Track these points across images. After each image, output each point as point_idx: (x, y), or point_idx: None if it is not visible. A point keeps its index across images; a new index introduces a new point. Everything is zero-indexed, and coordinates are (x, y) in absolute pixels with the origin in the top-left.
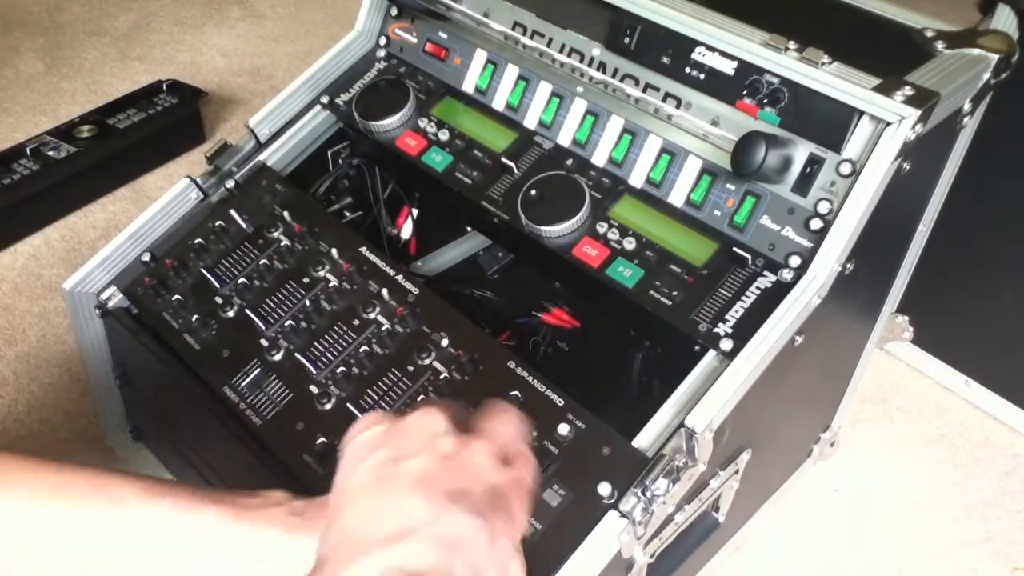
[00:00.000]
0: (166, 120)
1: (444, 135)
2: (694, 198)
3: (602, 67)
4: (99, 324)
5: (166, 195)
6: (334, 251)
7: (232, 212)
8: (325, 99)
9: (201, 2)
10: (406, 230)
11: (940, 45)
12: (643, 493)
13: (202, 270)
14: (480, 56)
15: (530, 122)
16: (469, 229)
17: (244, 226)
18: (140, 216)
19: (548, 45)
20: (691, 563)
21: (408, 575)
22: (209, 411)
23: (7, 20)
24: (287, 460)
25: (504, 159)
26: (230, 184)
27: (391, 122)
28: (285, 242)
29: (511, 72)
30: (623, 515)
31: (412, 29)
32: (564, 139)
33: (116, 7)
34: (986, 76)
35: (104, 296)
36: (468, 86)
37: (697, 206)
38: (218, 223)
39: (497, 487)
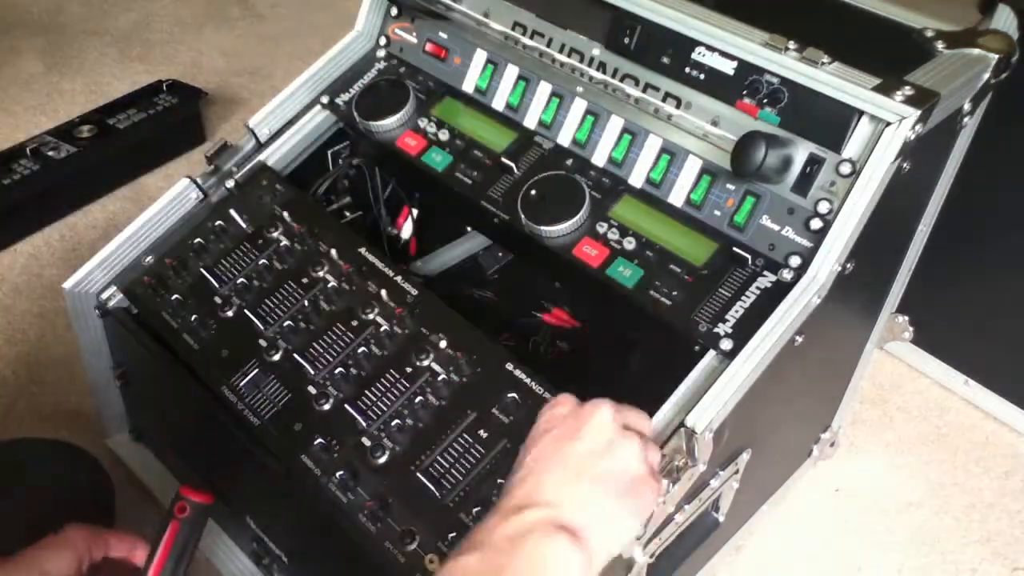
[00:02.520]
0: (166, 120)
1: (444, 135)
2: (694, 198)
3: (602, 67)
4: (99, 324)
5: (166, 195)
6: (333, 251)
7: (232, 212)
8: (325, 99)
9: (201, 2)
10: (406, 230)
11: (940, 45)
12: None
13: (201, 270)
14: (480, 56)
15: (530, 122)
16: (469, 229)
17: (244, 226)
18: (140, 216)
19: (548, 45)
20: (691, 563)
21: (560, 524)
22: (208, 411)
23: (7, 20)
24: (285, 461)
25: (504, 159)
26: (230, 184)
27: (391, 122)
28: (285, 242)
29: (511, 72)
30: None
31: (412, 29)
32: (564, 139)
33: (116, 7)
34: (986, 76)
35: (104, 296)
36: (468, 86)
37: (697, 206)
38: (218, 223)
39: (637, 478)
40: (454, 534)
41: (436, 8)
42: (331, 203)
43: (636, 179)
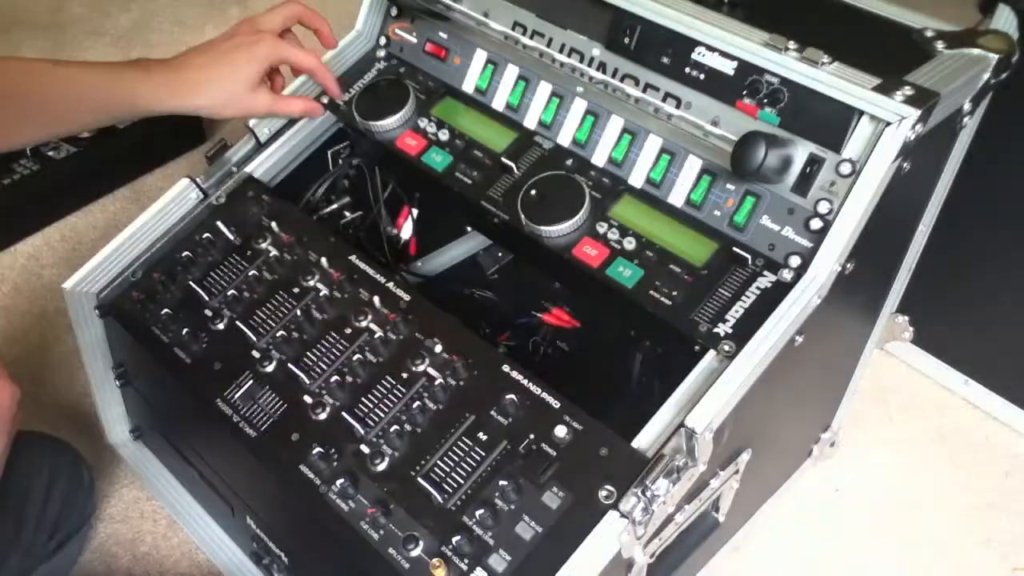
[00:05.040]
0: (166, 120)
1: (444, 135)
2: (694, 198)
3: (602, 67)
4: (99, 324)
5: (166, 195)
6: (323, 260)
7: (219, 224)
8: (325, 99)
9: (201, 2)
10: (406, 230)
11: (940, 45)
12: (643, 493)
13: (190, 283)
14: (480, 56)
15: (530, 122)
16: (469, 229)
17: (232, 238)
18: (140, 216)
19: (548, 45)
20: (691, 563)
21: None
22: (208, 412)
23: (7, 20)
24: (283, 472)
25: (504, 159)
26: (220, 197)
27: (391, 122)
28: (274, 252)
29: (511, 72)
30: (623, 515)
31: (412, 29)
32: (564, 139)
33: (116, 7)
34: (986, 76)
35: (104, 296)
36: (468, 86)
37: (697, 206)
38: (205, 235)
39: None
40: (458, 537)
41: (436, 8)
42: (331, 203)
43: (636, 179)
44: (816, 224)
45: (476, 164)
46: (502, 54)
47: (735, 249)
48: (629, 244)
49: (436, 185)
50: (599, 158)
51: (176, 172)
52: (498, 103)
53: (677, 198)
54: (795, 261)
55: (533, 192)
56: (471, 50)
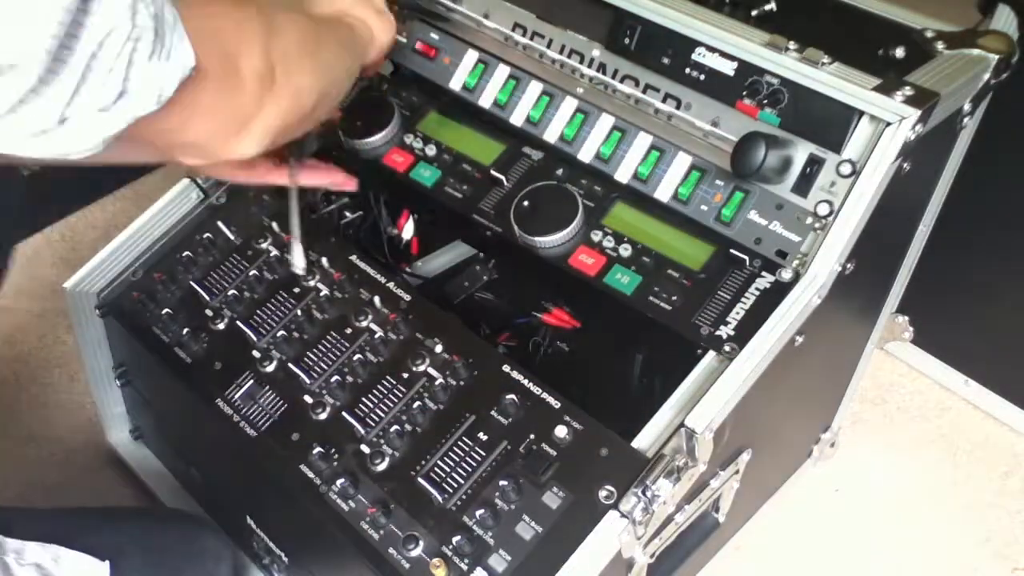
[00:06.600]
0: None
1: (431, 150)
2: (691, 198)
3: (602, 68)
4: (99, 324)
5: (166, 195)
6: (324, 260)
7: (220, 224)
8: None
9: None
10: (407, 231)
11: (940, 45)
12: (643, 493)
13: (191, 282)
14: (471, 56)
15: (525, 122)
16: None
17: (232, 237)
18: (140, 216)
19: (548, 46)
20: (691, 563)
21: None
22: (209, 412)
23: None
24: (283, 471)
25: (493, 171)
26: (220, 197)
27: (376, 140)
28: (274, 252)
29: (505, 72)
30: (623, 515)
31: (403, 29)
32: (553, 136)
33: None
34: (986, 76)
35: (105, 296)
36: (456, 84)
37: (695, 207)
38: (206, 235)
39: None
40: (458, 537)
41: (436, 9)
42: (331, 203)
43: (633, 178)
44: (816, 224)
45: (465, 177)
46: (501, 54)
47: (732, 251)
48: (625, 251)
49: (426, 200)
50: (597, 157)
51: (176, 172)
52: (485, 101)
53: (674, 199)
54: (795, 261)
55: (525, 203)
56: (462, 50)
